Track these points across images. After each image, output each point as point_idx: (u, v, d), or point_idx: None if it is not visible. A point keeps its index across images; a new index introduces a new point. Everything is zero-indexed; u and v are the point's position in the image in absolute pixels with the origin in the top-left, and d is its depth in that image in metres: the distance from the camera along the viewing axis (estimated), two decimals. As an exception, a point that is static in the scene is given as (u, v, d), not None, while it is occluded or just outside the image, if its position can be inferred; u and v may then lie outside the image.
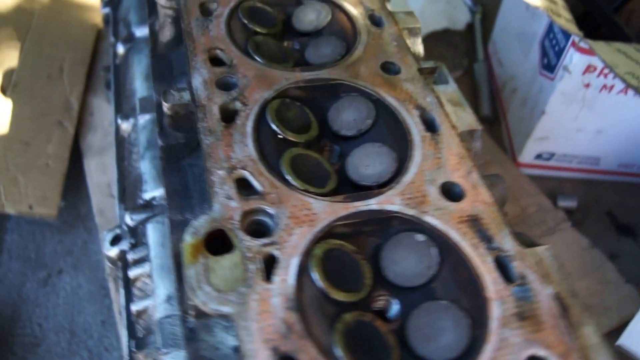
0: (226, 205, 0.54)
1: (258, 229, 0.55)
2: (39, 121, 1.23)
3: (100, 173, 1.18)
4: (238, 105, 0.64)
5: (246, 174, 0.58)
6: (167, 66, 0.80)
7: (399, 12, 0.81)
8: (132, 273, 0.79)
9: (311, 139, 0.65)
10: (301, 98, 0.68)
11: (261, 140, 0.61)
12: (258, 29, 0.76)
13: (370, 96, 0.68)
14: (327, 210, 0.56)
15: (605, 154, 1.14)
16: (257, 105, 0.64)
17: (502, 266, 0.54)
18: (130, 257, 0.80)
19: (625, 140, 1.09)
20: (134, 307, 0.75)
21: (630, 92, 0.98)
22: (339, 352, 0.48)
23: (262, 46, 0.73)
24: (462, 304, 0.52)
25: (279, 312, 0.48)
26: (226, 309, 0.48)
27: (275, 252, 0.52)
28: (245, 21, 0.76)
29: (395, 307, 0.56)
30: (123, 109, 1.02)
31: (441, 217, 0.56)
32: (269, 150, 0.61)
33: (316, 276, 0.52)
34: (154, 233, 0.79)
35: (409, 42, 0.77)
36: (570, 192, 1.20)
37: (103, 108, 1.30)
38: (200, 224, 0.53)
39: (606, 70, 0.96)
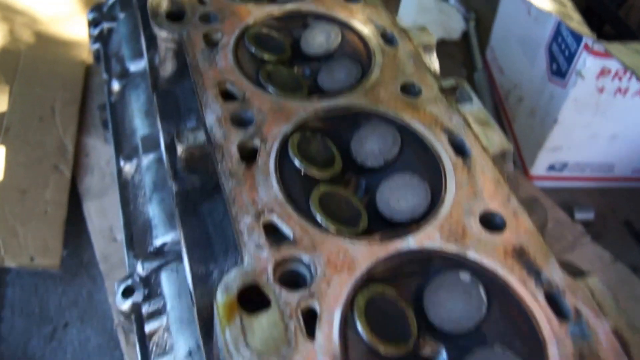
0: (257, 256, 0.50)
1: (293, 280, 0.50)
2: (34, 167, 1.18)
3: (101, 217, 1.13)
4: (257, 142, 0.60)
5: (275, 219, 0.53)
6: (173, 102, 0.75)
7: (411, 27, 0.77)
8: (148, 327, 0.73)
9: (336, 174, 0.61)
10: (321, 129, 0.64)
11: (285, 179, 0.57)
12: (267, 57, 0.72)
13: (393, 122, 0.64)
14: (365, 254, 0.51)
15: (619, 160, 1.11)
16: (277, 141, 0.60)
17: (554, 301, 0.50)
18: (145, 309, 0.75)
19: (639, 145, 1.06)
20: (154, 366, 0.70)
21: None
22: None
23: (274, 75, 0.69)
24: (516, 347, 0.48)
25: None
26: (270, 375, 0.43)
27: (315, 305, 0.47)
28: (253, 49, 0.72)
29: (443, 356, 0.51)
30: (124, 149, 0.97)
31: (485, 252, 0.52)
32: (295, 190, 0.57)
33: (362, 329, 0.47)
34: (169, 283, 0.74)
35: (425, 59, 0.73)
36: (586, 202, 1.15)
37: (98, 148, 1.25)
38: (232, 280, 0.48)
39: (621, 73, 0.93)
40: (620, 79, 0.92)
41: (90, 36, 1.22)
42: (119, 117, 1.04)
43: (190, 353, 0.68)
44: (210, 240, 0.60)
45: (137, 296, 0.77)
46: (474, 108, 0.67)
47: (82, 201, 1.16)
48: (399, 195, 0.58)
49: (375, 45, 0.72)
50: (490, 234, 0.54)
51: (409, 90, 0.67)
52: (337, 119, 0.64)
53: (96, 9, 1.22)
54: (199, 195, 0.63)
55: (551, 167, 1.12)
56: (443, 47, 1.46)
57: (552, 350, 0.46)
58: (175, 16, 0.76)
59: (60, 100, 1.32)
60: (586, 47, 0.90)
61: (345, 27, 0.75)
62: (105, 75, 1.12)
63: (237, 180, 0.56)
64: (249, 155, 0.59)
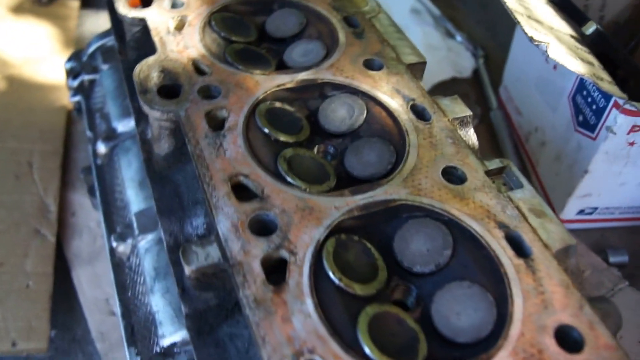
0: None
1: None
2: (11, 233, 1.07)
3: (95, 286, 1.03)
4: (284, 254, 0.51)
5: (318, 363, 0.44)
6: (173, 192, 0.65)
7: (441, 98, 0.69)
8: None
9: (381, 286, 0.52)
10: (358, 229, 0.55)
11: (325, 303, 0.48)
12: (283, 138, 0.63)
13: (440, 217, 0.55)
14: None
15: None
16: (309, 252, 0.51)
17: None
18: None
19: None
20: None
21: None
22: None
23: (295, 163, 0.60)
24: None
25: None
26: None
27: None
28: (267, 130, 0.63)
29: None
30: (116, 225, 0.87)
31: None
32: (337, 314, 0.48)
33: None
34: (181, 396, 0.65)
35: (462, 135, 0.65)
36: (616, 243, 1.11)
37: (86, 205, 1.14)
38: None
39: None
40: None
41: (70, 87, 1.12)
42: (107, 184, 0.94)
43: None
44: (235, 376, 0.51)
45: (143, 410, 0.68)
46: (527, 195, 0.59)
47: (71, 269, 1.05)
48: (458, 308, 0.50)
49: (407, 122, 0.64)
50: (569, 354, 0.46)
51: (452, 176, 0.59)
52: (375, 216, 0.56)
53: (75, 57, 1.12)
54: (216, 316, 0.54)
55: (580, 212, 1.08)
56: (455, 86, 1.39)
57: None
58: (169, 90, 0.67)
59: (39, 153, 1.21)
60: (616, 105, 0.85)
61: (369, 98, 0.67)
62: (89, 133, 1.02)
63: (265, 309, 0.47)
64: (275, 271, 0.50)
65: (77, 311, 1.02)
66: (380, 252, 0.54)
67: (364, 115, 0.66)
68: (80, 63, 1.09)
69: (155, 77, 0.67)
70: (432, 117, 0.65)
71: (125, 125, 0.95)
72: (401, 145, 0.62)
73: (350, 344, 0.46)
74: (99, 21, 1.56)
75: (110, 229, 0.88)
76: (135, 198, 0.86)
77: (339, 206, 0.55)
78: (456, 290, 0.51)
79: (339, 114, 0.67)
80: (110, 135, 0.95)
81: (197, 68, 0.69)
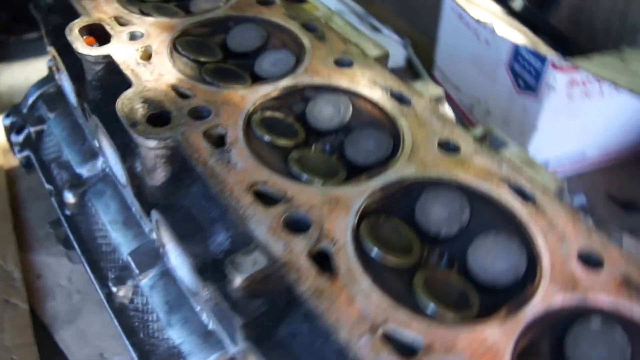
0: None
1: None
2: (-21, 309, 0.99)
3: (83, 344, 0.97)
4: (327, 245, 0.53)
5: (394, 329, 0.47)
6: (186, 217, 0.65)
7: (413, 82, 0.74)
8: None
9: (417, 257, 0.56)
10: (382, 210, 0.59)
11: (378, 279, 0.51)
12: (283, 143, 0.66)
13: (451, 184, 0.60)
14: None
15: (589, 147, 1.21)
16: (349, 237, 0.54)
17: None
18: None
19: (604, 131, 1.16)
20: None
21: (607, 93, 1.04)
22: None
23: (305, 163, 0.62)
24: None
25: None
26: None
27: None
28: (267, 138, 0.65)
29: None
30: (107, 272, 0.84)
31: (604, 291, 0.51)
32: (391, 287, 0.51)
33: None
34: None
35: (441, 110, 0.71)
36: (571, 188, 1.23)
37: (51, 264, 1.08)
38: None
39: (585, 81, 1.01)
40: (585, 84, 1.00)
41: (13, 144, 1.06)
42: (84, 233, 0.90)
43: None
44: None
45: None
46: (514, 151, 0.66)
47: (53, 333, 0.99)
48: (493, 258, 0.55)
49: (391, 108, 0.68)
50: (596, 271, 0.52)
51: (447, 147, 0.64)
52: (394, 195, 0.59)
53: (13, 112, 1.06)
54: (272, 319, 0.55)
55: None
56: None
57: None
58: (158, 118, 0.67)
59: (-16, 222, 1.13)
60: (553, 64, 0.96)
61: (350, 94, 0.71)
62: (48, 186, 0.97)
63: (328, 297, 0.49)
64: (326, 263, 0.52)
65: (71, 374, 0.96)
66: (411, 231, 0.58)
67: (350, 110, 0.70)
68: (21, 116, 1.03)
69: (140, 108, 0.67)
70: (412, 100, 0.70)
71: (90, 170, 0.92)
72: (394, 130, 0.67)
73: (414, 309, 0.49)
74: (14, 73, 1.49)
75: (100, 277, 0.85)
76: (123, 239, 0.83)
77: (361, 192, 0.58)
78: (485, 243, 0.56)
79: (327, 112, 0.70)
80: (77, 183, 0.91)
81: (178, 93, 0.69)
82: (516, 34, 0.88)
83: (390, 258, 0.54)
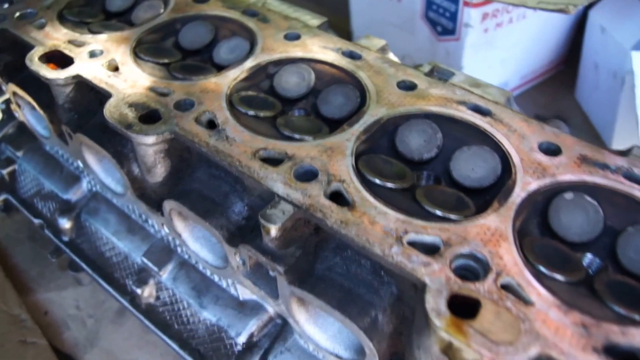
0: (432, 272, 0.53)
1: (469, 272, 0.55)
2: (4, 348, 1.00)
3: (111, 361, 1.01)
4: (337, 185, 0.62)
5: (415, 236, 0.56)
6: (200, 197, 0.71)
7: (357, 40, 0.84)
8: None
9: (408, 182, 0.65)
10: (369, 149, 0.68)
11: (386, 201, 0.60)
12: (263, 114, 0.73)
13: (420, 115, 0.70)
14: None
15: (510, 75, 1.34)
16: (352, 175, 0.63)
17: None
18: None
19: (521, 58, 1.28)
20: None
21: (515, 20, 1.17)
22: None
23: (293, 126, 0.70)
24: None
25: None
26: None
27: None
28: (251, 112, 0.73)
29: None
30: (125, 279, 0.88)
31: (568, 171, 0.62)
32: (399, 205, 0.60)
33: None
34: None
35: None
36: None
37: (54, 299, 1.10)
38: (438, 297, 0.51)
39: (496, 12, 1.13)
40: (496, 16, 1.12)
41: (-13, 191, 1.06)
42: (88, 252, 0.94)
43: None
44: (352, 291, 0.61)
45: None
46: (461, 78, 0.77)
47: (79, 359, 1.02)
48: (472, 165, 0.65)
49: (347, 65, 0.77)
50: (556, 157, 0.64)
51: (406, 86, 0.74)
52: (375, 134, 0.69)
53: (-24, 162, 1.06)
54: (307, 262, 0.63)
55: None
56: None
57: None
58: (148, 117, 0.72)
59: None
60: (465, 3, 1.08)
61: (309, 61, 0.79)
62: (37, 221, 0.99)
63: (353, 224, 0.58)
64: (340, 198, 0.61)
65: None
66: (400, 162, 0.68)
67: (313, 75, 0.78)
68: (-13, 164, 1.04)
69: (129, 112, 0.72)
70: (363, 54, 0.79)
71: (76, 193, 0.95)
72: (356, 82, 0.76)
73: (425, 218, 0.59)
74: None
75: (118, 286, 0.89)
76: (132, 245, 0.88)
77: (349, 138, 0.67)
78: (462, 156, 0.66)
79: (293, 81, 0.78)
80: (67, 208, 0.95)
81: (158, 92, 0.75)
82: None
83: (390, 183, 0.63)
